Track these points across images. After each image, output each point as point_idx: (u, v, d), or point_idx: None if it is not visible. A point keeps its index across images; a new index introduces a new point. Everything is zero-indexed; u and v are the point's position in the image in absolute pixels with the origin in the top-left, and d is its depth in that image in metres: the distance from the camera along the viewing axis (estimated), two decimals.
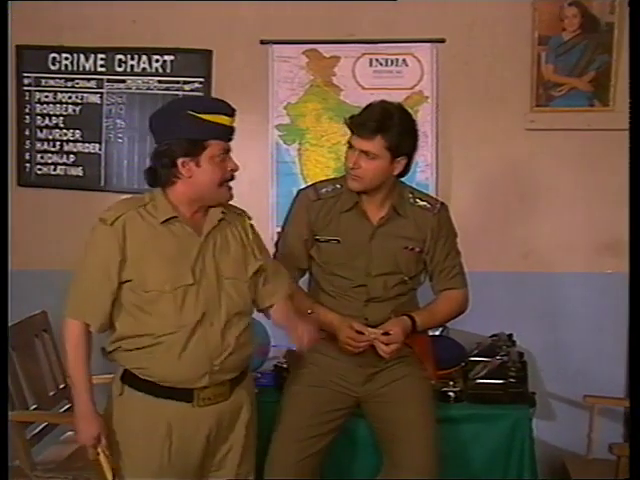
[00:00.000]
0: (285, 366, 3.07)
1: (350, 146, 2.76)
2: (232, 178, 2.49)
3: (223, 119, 2.41)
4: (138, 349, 2.40)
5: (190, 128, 2.38)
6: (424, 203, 2.85)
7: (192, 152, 2.38)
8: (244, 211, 2.66)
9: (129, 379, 2.45)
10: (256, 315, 3.09)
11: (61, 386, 3.50)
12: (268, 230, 3.80)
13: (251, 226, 2.63)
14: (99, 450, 2.42)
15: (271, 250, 2.95)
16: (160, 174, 2.43)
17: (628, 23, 3.67)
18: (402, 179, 2.87)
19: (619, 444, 3.14)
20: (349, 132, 2.77)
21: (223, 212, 2.52)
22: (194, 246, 2.43)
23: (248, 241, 2.58)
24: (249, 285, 2.53)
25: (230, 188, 2.50)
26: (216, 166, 2.42)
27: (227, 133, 2.44)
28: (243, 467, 2.55)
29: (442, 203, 2.90)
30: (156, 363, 2.39)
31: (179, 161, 2.39)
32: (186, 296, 2.39)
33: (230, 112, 2.44)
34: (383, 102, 2.76)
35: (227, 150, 2.46)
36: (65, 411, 3.46)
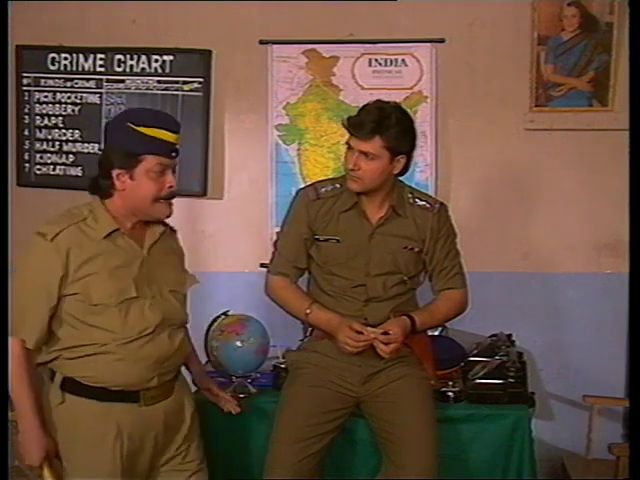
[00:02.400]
0: (284, 366, 3.06)
1: (349, 147, 2.75)
2: (171, 195, 2.44)
3: (163, 134, 2.37)
4: (81, 357, 2.39)
5: (126, 140, 2.36)
6: (423, 203, 2.85)
7: (126, 165, 2.36)
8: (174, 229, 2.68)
9: (70, 386, 2.41)
10: (255, 314, 3.12)
11: None
12: (267, 230, 3.82)
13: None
14: (44, 466, 2.40)
15: (270, 250, 2.96)
16: (99, 184, 2.43)
17: (628, 23, 3.68)
18: (402, 179, 2.87)
19: (618, 444, 3.15)
20: (347, 132, 2.77)
21: (165, 224, 2.55)
22: (137, 259, 2.44)
23: (182, 258, 2.67)
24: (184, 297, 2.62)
25: (170, 204, 2.47)
26: (151, 180, 2.38)
27: (166, 149, 2.39)
28: (194, 457, 2.59)
29: (442, 203, 2.90)
30: (102, 370, 2.39)
31: (114, 172, 2.38)
32: (130, 308, 2.39)
33: (172, 128, 2.41)
34: (379, 102, 2.76)
35: (167, 166, 2.41)
36: None
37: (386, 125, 2.68)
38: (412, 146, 2.78)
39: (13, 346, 2.37)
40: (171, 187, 2.42)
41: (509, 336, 3.42)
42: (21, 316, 2.37)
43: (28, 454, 2.40)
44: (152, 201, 2.41)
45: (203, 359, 3.14)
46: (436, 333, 3.32)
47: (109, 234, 2.40)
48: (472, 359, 3.20)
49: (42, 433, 2.38)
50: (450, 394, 3.03)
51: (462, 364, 3.17)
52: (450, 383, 3.05)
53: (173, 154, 2.41)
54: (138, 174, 2.37)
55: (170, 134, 2.39)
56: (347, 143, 2.77)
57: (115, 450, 2.39)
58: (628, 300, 3.78)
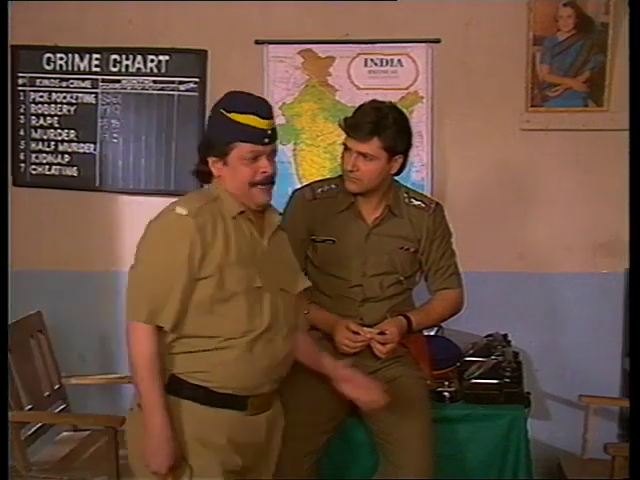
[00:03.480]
0: None
1: (346, 148, 2.75)
2: (266, 180, 2.30)
3: (253, 120, 2.24)
4: (197, 352, 2.23)
5: (218, 127, 2.29)
6: (419, 203, 2.85)
7: (220, 152, 2.27)
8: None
9: (174, 386, 2.23)
10: None
11: (56, 386, 3.50)
12: None
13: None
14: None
15: None
16: (201, 172, 2.36)
17: (623, 23, 3.69)
18: (398, 179, 2.87)
19: (614, 444, 3.15)
20: (344, 133, 2.77)
21: (281, 214, 2.43)
22: (258, 247, 2.32)
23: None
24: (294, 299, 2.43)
25: (267, 190, 2.33)
26: (244, 167, 2.27)
27: (257, 136, 2.25)
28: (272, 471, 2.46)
29: (437, 203, 2.90)
30: (220, 367, 2.22)
31: (210, 160, 2.31)
32: (255, 299, 2.26)
33: (264, 113, 2.27)
34: (375, 102, 2.77)
35: (260, 152, 2.27)
36: (60, 412, 3.47)
37: (384, 126, 2.68)
38: (409, 145, 2.79)
39: (142, 335, 2.18)
40: (264, 172, 2.28)
41: (505, 336, 3.42)
42: (154, 300, 2.19)
43: (157, 463, 2.17)
44: (248, 187, 2.29)
45: None
46: (432, 333, 3.33)
47: (237, 214, 2.29)
48: (468, 359, 3.20)
49: (173, 435, 2.18)
50: (446, 394, 3.03)
51: (458, 364, 3.17)
52: (446, 383, 3.06)
53: (266, 140, 2.27)
54: (231, 161, 2.27)
55: (261, 120, 2.25)
56: (344, 144, 2.77)
57: (216, 461, 2.23)
58: (626, 300, 3.81)
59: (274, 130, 2.31)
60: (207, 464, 2.22)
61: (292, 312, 2.39)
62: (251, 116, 2.25)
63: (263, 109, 2.29)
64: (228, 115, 2.26)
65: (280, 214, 2.44)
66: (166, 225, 2.25)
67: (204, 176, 2.37)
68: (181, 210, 2.22)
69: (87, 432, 3.48)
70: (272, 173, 2.32)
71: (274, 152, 2.34)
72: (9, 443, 2.56)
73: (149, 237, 2.26)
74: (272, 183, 2.34)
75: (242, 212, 2.30)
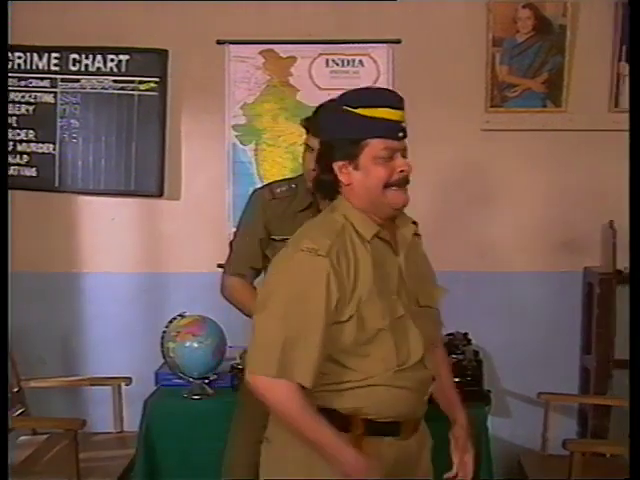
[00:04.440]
0: (241, 367, 3.05)
1: (307, 147, 2.75)
2: (404, 181, 2.03)
3: (386, 112, 1.98)
4: (343, 390, 2.00)
5: (344, 126, 2.00)
6: None
7: (348, 154, 2.00)
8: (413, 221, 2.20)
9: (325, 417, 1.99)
10: (213, 314, 3.10)
11: (15, 390, 3.46)
12: (225, 230, 3.80)
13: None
14: None
15: (226, 250, 2.95)
16: (324, 182, 2.08)
17: (580, 25, 3.75)
18: None
19: (573, 440, 3.20)
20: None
21: (414, 223, 2.15)
22: (394, 268, 2.06)
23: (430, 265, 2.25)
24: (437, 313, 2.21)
25: (404, 191, 2.04)
26: (379, 166, 2.00)
27: (392, 129, 1.99)
28: None
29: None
30: (368, 400, 2.00)
31: (335, 166, 2.03)
32: (401, 329, 2.01)
33: (396, 104, 2.00)
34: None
35: (395, 149, 2.01)
36: (19, 415, 3.44)
37: None
38: None
39: (282, 392, 1.93)
40: (402, 171, 2.02)
41: (465, 335, 3.44)
42: (290, 354, 1.91)
43: None
44: (383, 189, 2.01)
45: (160, 361, 3.13)
46: None
47: (373, 236, 2.03)
48: None
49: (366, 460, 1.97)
50: None
51: None
52: None
53: (400, 134, 2.01)
54: (363, 162, 2.00)
55: (394, 111, 1.98)
56: (305, 144, 2.77)
57: None
58: (584, 298, 3.86)
59: (405, 124, 2.04)
60: None
61: (433, 327, 2.18)
62: (383, 109, 1.98)
63: (394, 100, 2.02)
64: (355, 111, 1.98)
65: (413, 222, 2.17)
66: (298, 266, 1.97)
67: (329, 188, 2.09)
68: (310, 247, 1.95)
69: (46, 435, 3.45)
70: (409, 172, 2.05)
71: (406, 149, 2.06)
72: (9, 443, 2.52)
73: (279, 279, 2.01)
74: (407, 183, 2.07)
75: (376, 233, 2.04)
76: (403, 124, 2.02)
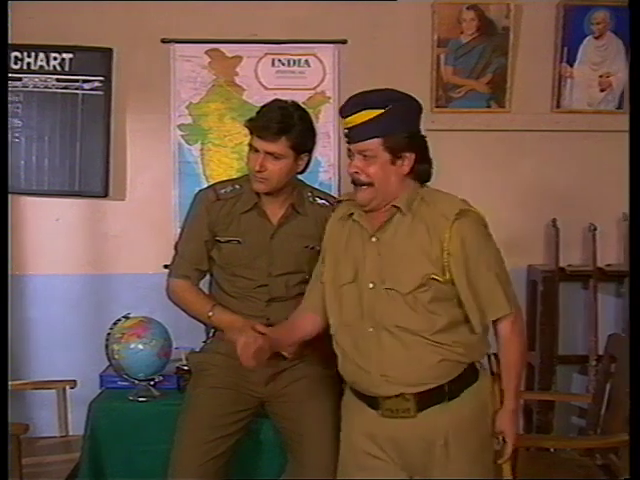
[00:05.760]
0: (187, 368, 3.04)
1: (252, 148, 2.75)
2: (356, 181, 2.41)
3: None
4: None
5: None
6: (323, 201, 2.87)
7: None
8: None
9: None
10: (159, 316, 3.08)
11: None
12: (171, 230, 3.77)
13: None
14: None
15: (172, 251, 2.93)
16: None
17: (523, 27, 3.81)
18: (303, 178, 2.89)
19: (518, 435, 3.22)
20: (249, 133, 2.77)
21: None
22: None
23: None
24: None
25: (359, 191, 2.44)
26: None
27: (345, 134, 2.40)
28: None
29: (340, 201, 2.92)
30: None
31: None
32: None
33: (343, 113, 2.38)
34: (278, 101, 2.78)
35: (352, 151, 2.38)
36: None
37: (290, 125, 2.70)
38: (314, 143, 2.82)
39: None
40: (354, 172, 2.40)
41: None
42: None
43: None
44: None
45: (105, 363, 3.10)
46: None
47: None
48: None
49: None
50: None
51: None
52: None
53: (346, 139, 2.40)
54: None
55: (343, 119, 2.38)
56: (249, 144, 2.77)
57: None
58: (527, 295, 3.92)
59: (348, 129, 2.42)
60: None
61: (394, 309, 2.39)
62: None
63: (343, 109, 2.42)
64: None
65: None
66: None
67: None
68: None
69: None
70: (357, 174, 2.44)
71: (364, 151, 2.40)
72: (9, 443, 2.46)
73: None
74: (359, 184, 2.46)
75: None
76: (346, 129, 2.35)
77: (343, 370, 2.46)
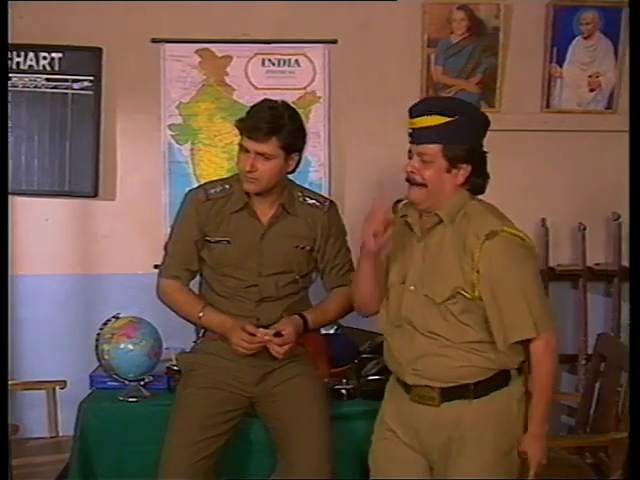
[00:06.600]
0: (177, 368, 3.04)
1: (241, 148, 2.75)
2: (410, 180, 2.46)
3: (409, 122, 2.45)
4: None
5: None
6: (313, 201, 2.88)
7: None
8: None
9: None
10: (149, 316, 3.08)
11: None
12: (161, 231, 3.76)
13: None
14: None
15: (162, 251, 2.93)
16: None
17: (512, 27, 3.82)
18: (292, 178, 2.89)
19: None
20: (240, 134, 2.77)
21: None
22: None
23: None
24: None
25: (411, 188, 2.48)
26: None
27: (410, 135, 2.46)
28: None
29: (331, 201, 2.94)
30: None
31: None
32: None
33: (413, 113, 2.44)
34: (268, 101, 2.78)
35: (413, 152, 2.45)
36: None
37: (280, 125, 2.70)
38: (304, 143, 2.83)
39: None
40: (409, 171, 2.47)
41: None
42: None
43: None
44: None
45: (95, 363, 3.09)
46: (332, 331, 3.35)
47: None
48: (365, 356, 3.23)
49: None
50: (344, 391, 3.04)
51: (355, 361, 3.20)
52: (344, 380, 3.07)
53: (409, 138, 2.47)
54: None
55: (410, 120, 2.45)
56: (240, 144, 2.77)
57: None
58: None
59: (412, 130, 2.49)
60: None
61: (430, 316, 2.48)
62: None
63: (412, 109, 2.48)
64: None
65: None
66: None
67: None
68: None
69: None
70: (412, 173, 2.49)
71: (422, 153, 2.47)
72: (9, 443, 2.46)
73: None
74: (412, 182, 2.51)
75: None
76: (411, 129, 2.43)
77: (385, 355, 2.62)
